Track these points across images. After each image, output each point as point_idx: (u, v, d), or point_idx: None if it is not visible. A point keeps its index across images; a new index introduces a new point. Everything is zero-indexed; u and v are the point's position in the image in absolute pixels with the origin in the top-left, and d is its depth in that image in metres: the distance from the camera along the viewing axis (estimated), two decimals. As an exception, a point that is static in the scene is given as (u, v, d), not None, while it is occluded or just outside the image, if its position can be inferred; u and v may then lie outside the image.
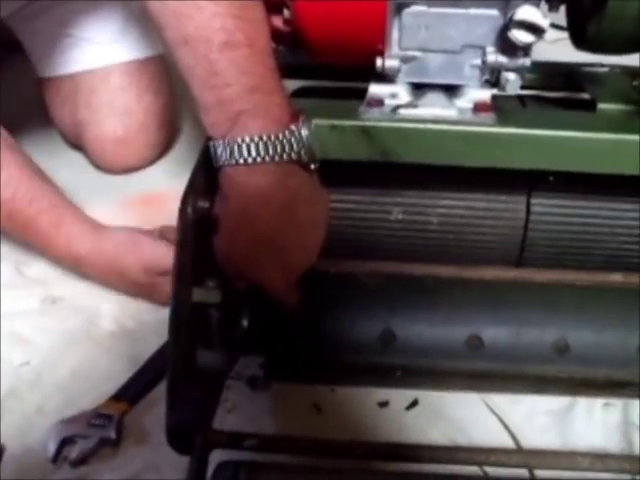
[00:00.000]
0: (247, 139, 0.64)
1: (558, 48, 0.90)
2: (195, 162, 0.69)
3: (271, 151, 0.64)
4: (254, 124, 0.64)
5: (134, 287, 0.87)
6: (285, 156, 0.65)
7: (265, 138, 0.64)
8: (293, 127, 0.65)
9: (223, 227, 0.68)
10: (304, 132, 0.65)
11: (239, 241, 0.68)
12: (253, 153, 0.64)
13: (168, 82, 1.13)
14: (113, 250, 0.87)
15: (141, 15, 1.03)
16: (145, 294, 0.88)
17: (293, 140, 0.65)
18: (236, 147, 0.64)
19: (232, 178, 0.66)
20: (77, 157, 1.16)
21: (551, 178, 0.73)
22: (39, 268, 0.93)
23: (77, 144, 1.15)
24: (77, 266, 0.89)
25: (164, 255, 0.81)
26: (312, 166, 0.67)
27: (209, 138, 0.67)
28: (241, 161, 0.64)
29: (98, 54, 1.07)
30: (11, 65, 1.20)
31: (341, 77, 0.78)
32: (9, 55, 1.19)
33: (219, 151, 0.65)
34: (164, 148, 1.15)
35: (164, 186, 1.06)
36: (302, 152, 0.66)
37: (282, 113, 0.66)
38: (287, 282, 0.72)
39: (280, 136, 0.64)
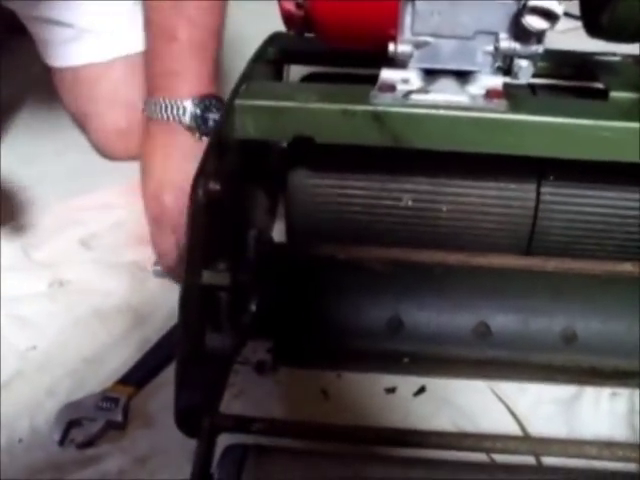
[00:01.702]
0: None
1: (569, 38, 0.89)
2: (206, 145, 0.69)
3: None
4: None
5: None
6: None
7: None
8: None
9: None
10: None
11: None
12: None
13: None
14: None
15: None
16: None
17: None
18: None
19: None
20: (85, 139, 1.15)
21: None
22: (47, 251, 0.93)
23: (83, 130, 1.15)
24: None
25: None
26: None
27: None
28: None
29: (99, 46, 1.06)
30: (21, 47, 1.20)
31: (353, 63, 0.78)
32: (19, 37, 1.18)
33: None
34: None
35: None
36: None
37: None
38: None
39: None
